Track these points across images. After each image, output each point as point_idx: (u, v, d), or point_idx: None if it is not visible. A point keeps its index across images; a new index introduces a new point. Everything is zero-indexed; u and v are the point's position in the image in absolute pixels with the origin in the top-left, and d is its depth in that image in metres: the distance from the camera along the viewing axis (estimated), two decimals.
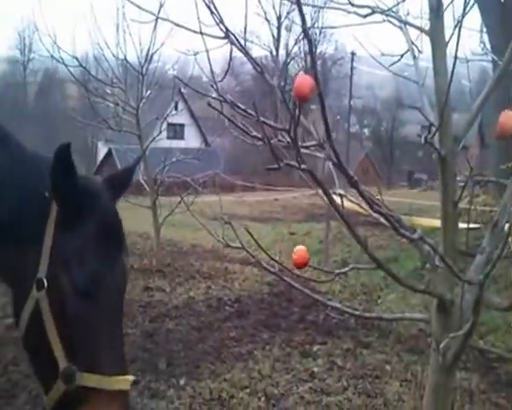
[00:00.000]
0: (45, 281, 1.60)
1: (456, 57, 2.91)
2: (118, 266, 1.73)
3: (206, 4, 2.63)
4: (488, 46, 14.19)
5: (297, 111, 2.05)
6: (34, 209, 1.67)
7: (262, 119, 2.57)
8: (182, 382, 4.68)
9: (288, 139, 2.57)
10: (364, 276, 8.30)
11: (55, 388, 1.59)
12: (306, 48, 47.04)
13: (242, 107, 2.99)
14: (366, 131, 50.87)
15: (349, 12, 3.48)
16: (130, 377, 1.66)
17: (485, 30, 14.58)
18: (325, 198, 3.17)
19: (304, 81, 1.91)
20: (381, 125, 47.30)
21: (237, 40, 2.88)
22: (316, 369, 4.93)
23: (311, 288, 5.46)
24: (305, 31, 1.96)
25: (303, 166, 2.45)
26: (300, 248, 2.74)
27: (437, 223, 5.67)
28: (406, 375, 4.74)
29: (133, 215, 12.86)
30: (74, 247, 1.63)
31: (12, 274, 1.71)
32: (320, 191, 4.04)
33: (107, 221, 1.74)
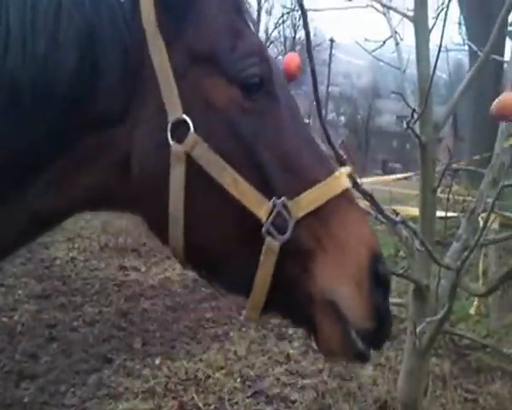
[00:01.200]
0: (188, 118, 1.06)
1: (440, 44, 2.92)
2: None
3: None
4: (465, 37, 14.35)
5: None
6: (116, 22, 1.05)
7: None
8: (157, 361, 4.66)
9: None
10: None
11: (264, 261, 1.08)
12: (286, 32, 46.91)
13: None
14: (342, 118, 51.17)
15: None
16: (346, 169, 1.22)
17: (463, 22, 14.81)
18: None
19: (292, 59, 1.92)
20: (358, 114, 47.62)
21: None
22: (291, 351, 4.96)
23: None
24: (300, 5, 1.96)
25: None
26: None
27: (413, 211, 5.76)
28: (380, 359, 4.80)
29: None
30: (211, 42, 1.10)
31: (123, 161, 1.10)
32: None
33: None
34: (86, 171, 1.10)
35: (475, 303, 5.83)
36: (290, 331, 5.48)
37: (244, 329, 5.51)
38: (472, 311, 5.79)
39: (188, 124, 1.07)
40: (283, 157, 1.11)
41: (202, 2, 1.11)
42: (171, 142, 1.06)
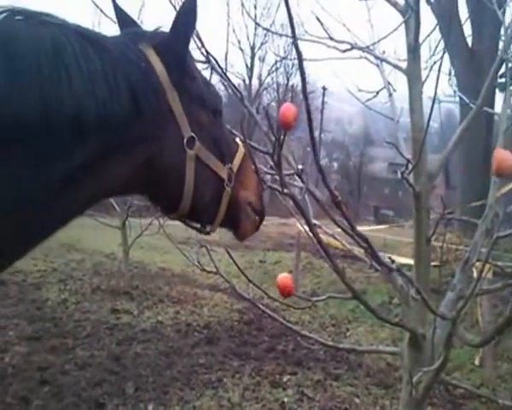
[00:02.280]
0: (194, 134, 1.76)
1: (434, 97, 3.03)
2: None
3: None
4: (456, 88, 14.75)
5: (281, 135, 2.09)
6: (144, 82, 1.60)
7: (249, 141, 2.61)
8: (150, 407, 4.59)
9: (271, 163, 2.62)
10: (333, 308, 8.35)
11: (223, 197, 1.94)
12: (279, 79, 47.86)
13: (228, 127, 3.02)
14: (335, 164, 51.69)
15: (328, 46, 3.57)
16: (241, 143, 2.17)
17: (453, 73, 15.20)
18: (300, 226, 3.21)
19: (288, 109, 1.95)
20: (350, 160, 48.12)
21: (218, 65, 2.93)
22: (286, 399, 4.90)
23: (281, 317, 5.47)
24: (300, 63, 2.00)
25: (286, 190, 2.50)
26: (284, 275, 2.71)
27: (404, 260, 5.79)
28: (375, 409, 4.76)
29: (98, 235, 12.72)
30: (199, 90, 1.85)
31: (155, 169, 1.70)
32: (298, 219, 4.08)
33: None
34: (126, 166, 1.61)
35: (480, 354, 5.82)
36: (284, 379, 5.43)
37: (238, 375, 5.45)
38: (477, 362, 5.77)
39: (195, 138, 1.77)
40: (227, 144, 1.98)
41: (191, 70, 1.83)
42: (187, 149, 1.75)
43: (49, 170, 1.36)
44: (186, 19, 1.73)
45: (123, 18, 1.90)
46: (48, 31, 1.39)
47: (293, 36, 1.94)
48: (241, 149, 2.08)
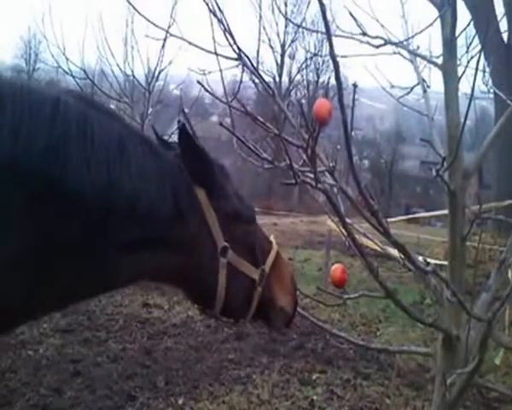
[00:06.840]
0: (227, 244, 1.93)
1: (472, 92, 2.95)
2: None
3: (223, 26, 2.68)
4: (491, 85, 14.38)
5: (316, 129, 2.06)
6: (184, 196, 1.84)
7: (283, 135, 2.59)
8: (180, 401, 4.64)
9: (304, 159, 2.60)
10: (364, 306, 8.27)
11: (254, 297, 2.06)
12: (309, 76, 47.58)
13: (262, 120, 3.01)
14: (366, 162, 51.16)
15: (361, 42, 3.52)
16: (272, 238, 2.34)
17: (487, 69, 14.84)
18: (331, 223, 3.18)
19: (323, 104, 1.91)
20: (381, 158, 47.56)
21: (250, 62, 2.93)
22: (315, 397, 4.88)
23: (310, 316, 5.45)
24: (333, 58, 1.96)
25: (319, 185, 2.47)
26: (338, 266, 2.71)
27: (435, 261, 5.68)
28: (406, 409, 4.70)
29: None
30: (234, 208, 2.00)
31: (187, 266, 1.90)
32: (329, 215, 4.02)
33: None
34: (162, 260, 1.84)
35: (500, 354, 5.69)
36: (314, 377, 5.40)
37: (267, 372, 5.45)
38: (497, 361, 5.65)
39: (228, 248, 1.93)
40: (260, 247, 2.11)
41: (224, 191, 1.99)
42: (220, 257, 1.92)
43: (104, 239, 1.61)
44: (189, 151, 1.89)
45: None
46: (114, 127, 1.67)
47: (331, 47, 1.91)
48: (275, 248, 2.20)
